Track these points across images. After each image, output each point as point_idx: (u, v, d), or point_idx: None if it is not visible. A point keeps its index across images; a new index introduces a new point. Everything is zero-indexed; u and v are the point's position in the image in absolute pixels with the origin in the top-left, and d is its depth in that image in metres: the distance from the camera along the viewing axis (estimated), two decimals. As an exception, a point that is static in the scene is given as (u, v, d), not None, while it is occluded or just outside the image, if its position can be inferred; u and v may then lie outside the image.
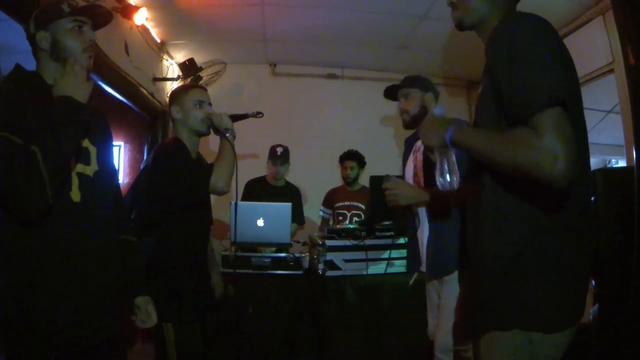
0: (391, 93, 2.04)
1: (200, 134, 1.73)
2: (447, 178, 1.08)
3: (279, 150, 3.10)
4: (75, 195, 1.16)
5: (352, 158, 3.49)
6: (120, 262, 1.30)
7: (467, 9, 1.11)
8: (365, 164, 3.54)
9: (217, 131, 1.68)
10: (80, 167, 1.19)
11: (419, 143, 1.92)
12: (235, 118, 1.73)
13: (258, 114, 1.78)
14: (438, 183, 1.10)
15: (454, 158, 1.08)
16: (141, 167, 1.80)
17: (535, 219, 0.96)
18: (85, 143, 1.22)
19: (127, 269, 1.34)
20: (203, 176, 1.58)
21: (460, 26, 1.15)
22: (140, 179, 1.73)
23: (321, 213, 3.62)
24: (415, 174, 1.91)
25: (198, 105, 1.70)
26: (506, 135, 0.91)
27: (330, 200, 3.56)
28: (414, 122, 1.90)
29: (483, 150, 0.94)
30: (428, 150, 1.13)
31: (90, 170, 1.22)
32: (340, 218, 3.41)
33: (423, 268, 1.86)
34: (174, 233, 1.61)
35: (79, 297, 1.13)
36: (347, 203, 3.43)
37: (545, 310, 0.95)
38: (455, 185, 1.08)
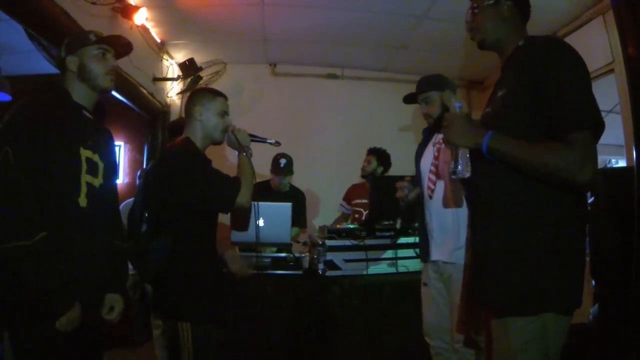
0: (411, 98, 2.05)
1: (215, 141, 1.75)
2: (460, 168, 1.21)
3: (282, 162, 3.06)
4: (83, 201, 1.33)
5: (372, 153, 3.39)
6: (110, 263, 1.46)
7: (486, 30, 1.29)
8: (389, 165, 3.41)
9: (239, 146, 1.73)
10: (89, 178, 1.36)
11: (440, 136, 1.91)
12: (254, 139, 1.80)
13: (276, 143, 1.90)
14: (451, 172, 1.22)
15: (467, 152, 1.21)
16: (148, 167, 1.85)
17: (546, 208, 1.11)
18: (96, 158, 1.40)
19: (111, 268, 1.47)
20: (232, 187, 1.60)
21: (481, 46, 1.33)
22: (153, 181, 1.70)
23: (342, 209, 3.53)
24: (435, 167, 1.89)
25: (222, 115, 1.73)
26: (542, 146, 1.09)
27: (349, 195, 3.51)
28: (438, 124, 1.88)
29: (520, 157, 1.10)
30: (446, 142, 1.24)
31: (97, 182, 1.40)
32: (357, 215, 3.34)
33: (433, 257, 1.87)
34: (191, 233, 1.61)
35: (79, 289, 1.27)
36: (364, 201, 3.31)
37: (560, 293, 1.08)
38: (467, 174, 1.20)
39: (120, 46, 1.51)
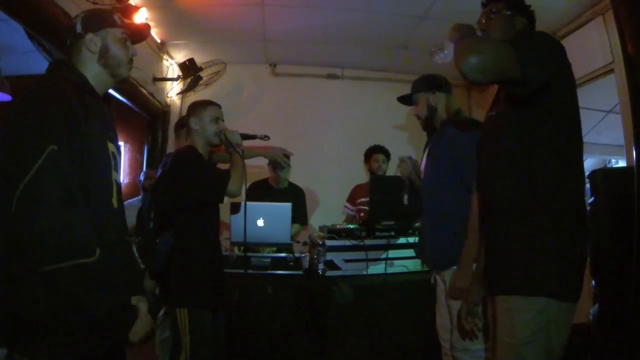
0: (405, 99, 2.08)
1: (213, 145, 1.97)
2: (447, 52, 1.36)
3: None
4: (115, 201, 1.21)
5: (381, 151, 3.34)
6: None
7: (495, 37, 1.36)
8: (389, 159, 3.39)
9: (230, 145, 1.95)
10: (115, 175, 1.22)
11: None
12: (245, 137, 2.01)
13: (265, 137, 2.11)
14: (438, 58, 1.41)
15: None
16: (158, 172, 2.03)
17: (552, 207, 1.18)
18: (115, 152, 1.24)
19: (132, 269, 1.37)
20: (222, 179, 1.86)
21: None
22: (159, 182, 1.94)
23: (346, 210, 3.52)
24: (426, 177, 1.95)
25: (214, 121, 1.94)
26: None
27: (353, 196, 3.49)
28: (427, 125, 1.96)
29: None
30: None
31: (118, 177, 1.26)
32: (362, 214, 3.33)
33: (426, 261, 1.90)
34: (191, 228, 1.81)
35: (114, 296, 1.14)
36: (368, 199, 3.34)
37: (561, 280, 1.14)
38: (449, 59, 1.34)
39: (139, 35, 1.37)
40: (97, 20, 1.24)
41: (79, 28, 1.22)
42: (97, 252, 1.02)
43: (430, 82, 1.95)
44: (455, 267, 1.72)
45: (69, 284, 1.00)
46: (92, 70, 1.22)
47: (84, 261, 0.99)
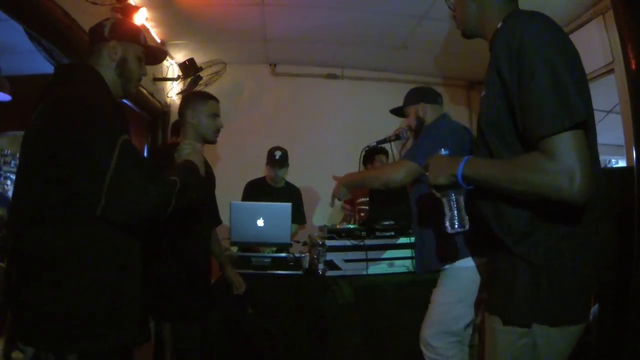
0: (398, 111, 2.18)
1: (208, 142, 1.87)
2: (457, 224, 1.05)
3: (277, 154, 3.07)
4: None
5: (382, 151, 3.30)
6: None
7: (465, 17, 1.15)
8: None
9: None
10: None
11: None
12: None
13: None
14: (448, 228, 1.07)
15: (462, 200, 1.05)
16: None
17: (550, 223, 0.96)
18: None
19: None
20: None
21: (465, 35, 1.20)
22: None
23: (343, 209, 3.53)
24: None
25: (212, 117, 1.84)
26: (521, 162, 0.91)
27: (352, 196, 3.51)
28: (417, 135, 2.04)
29: (499, 180, 0.93)
30: (433, 188, 1.08)
31: None
32: (362, 214, 3.34)
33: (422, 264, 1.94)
34: (165, 235, 1.66)
35: (137, 294, 1.21)
36: (369, 199, 3.32)
37: (551, 305, 0.96)
38: (467, 227, 1.06)
39: (153, 58, 1.42)
40: (126, 31, 1.28)
41: (106, 31, 1.25)
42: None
43: (416, 94, 2.06)
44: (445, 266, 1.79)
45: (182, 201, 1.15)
46: (106, 76, 1.24)
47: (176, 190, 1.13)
